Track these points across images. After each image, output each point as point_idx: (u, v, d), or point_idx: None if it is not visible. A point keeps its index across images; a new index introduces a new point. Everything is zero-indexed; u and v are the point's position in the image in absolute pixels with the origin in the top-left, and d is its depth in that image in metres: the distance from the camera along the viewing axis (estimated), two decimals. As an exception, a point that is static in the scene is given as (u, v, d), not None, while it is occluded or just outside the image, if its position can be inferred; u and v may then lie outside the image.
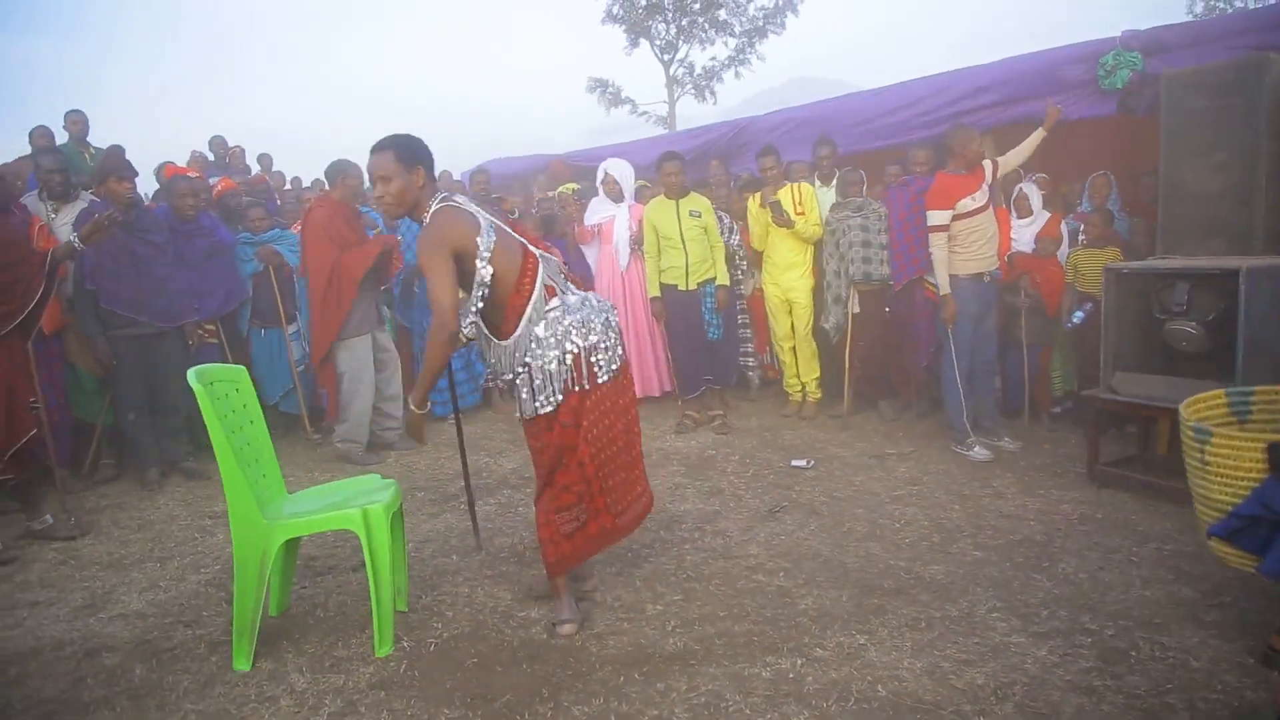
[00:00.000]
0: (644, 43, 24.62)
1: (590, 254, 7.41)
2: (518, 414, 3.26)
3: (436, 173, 10.06)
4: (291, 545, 3.51)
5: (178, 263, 5.69)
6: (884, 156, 6.79)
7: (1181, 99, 4.62)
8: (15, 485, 4.56)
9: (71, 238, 4.65)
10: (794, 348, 6.59)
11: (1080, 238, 6.02)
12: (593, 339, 3.16)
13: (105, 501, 5.26)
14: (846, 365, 6.44)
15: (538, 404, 3.14)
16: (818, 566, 3.78)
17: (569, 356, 3.11)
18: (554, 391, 3.12)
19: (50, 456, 4.78)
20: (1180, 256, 4.57)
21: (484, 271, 3.06)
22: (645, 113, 25.29)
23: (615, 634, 3.23)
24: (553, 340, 3.11)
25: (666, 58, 24.66)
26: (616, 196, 7.18)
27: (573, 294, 3.26)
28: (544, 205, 7.94)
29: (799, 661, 2.97)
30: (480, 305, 3.12)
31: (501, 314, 3.15)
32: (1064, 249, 5.96)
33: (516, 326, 3.12)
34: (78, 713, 2.86)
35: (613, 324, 3.28)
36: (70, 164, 6.03)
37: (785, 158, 6.68)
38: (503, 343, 3.15)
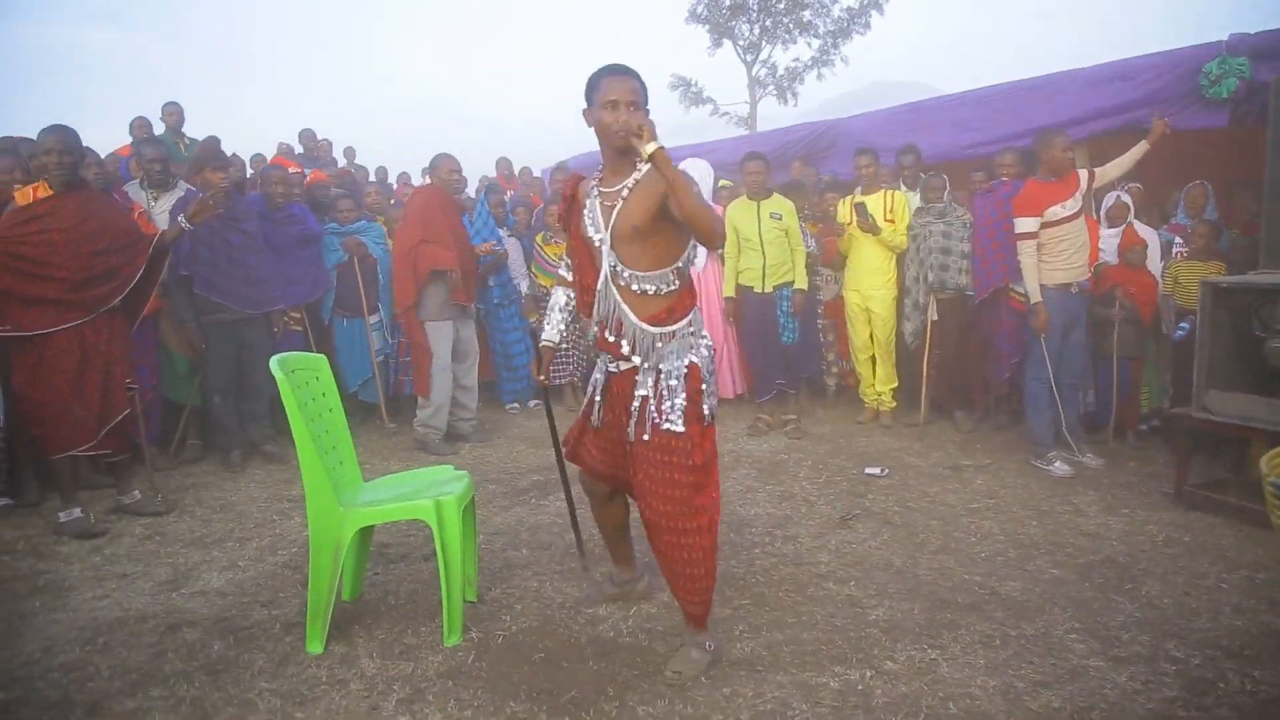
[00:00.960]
0: (727, 43, 24.52)
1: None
2: (647, 433, 2.87)
3: (518, 169, 10.16)
4: (366, 532, 3.57)
5: (267, 251, 5.85)
6: (970, 161, 6.64)
7: (1291, 107, 4.42)
8: (110, 461, 4.75)
9: (180, 219, 4.83)
10: (872, 357, 6.50)
11: (1178, 250, 5.80)
12: None
13: (190, 481, 5.43)
14: (924, 374, 6.32)
15: (706, 410, 2.91)
16: (889, 577, 3.71)
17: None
18: (713, 404, 2.96)
19: (141, 435, 4.96)
20: (1284, 272, 4.37)
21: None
22: (726, 113, 25.20)
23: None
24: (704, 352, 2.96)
25: (749, 58, 24.53)
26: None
27: None
28: None
29: (868, 673, 2.92)
30: (675, 284, 2.90)
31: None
32: (1156, 260, 5.76)
33: (679, 320, 2.91)
34: (159, 683, 2.95)
35: None
36: (169, 153, 6.25)
37: (869, 161, 6.60)
38: (657, 329, 2.87)
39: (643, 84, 2.87)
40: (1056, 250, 5.07)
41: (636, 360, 2.90)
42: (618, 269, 2.87)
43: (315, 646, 3.15)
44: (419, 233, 5.95)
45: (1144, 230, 5.88)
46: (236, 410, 5.79)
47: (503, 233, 7.20)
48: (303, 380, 3.27)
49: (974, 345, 6.16)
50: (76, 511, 4.47)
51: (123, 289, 4.58)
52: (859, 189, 6.46)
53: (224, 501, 5.01)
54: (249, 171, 7.96)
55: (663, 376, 2.87)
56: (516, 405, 7.35)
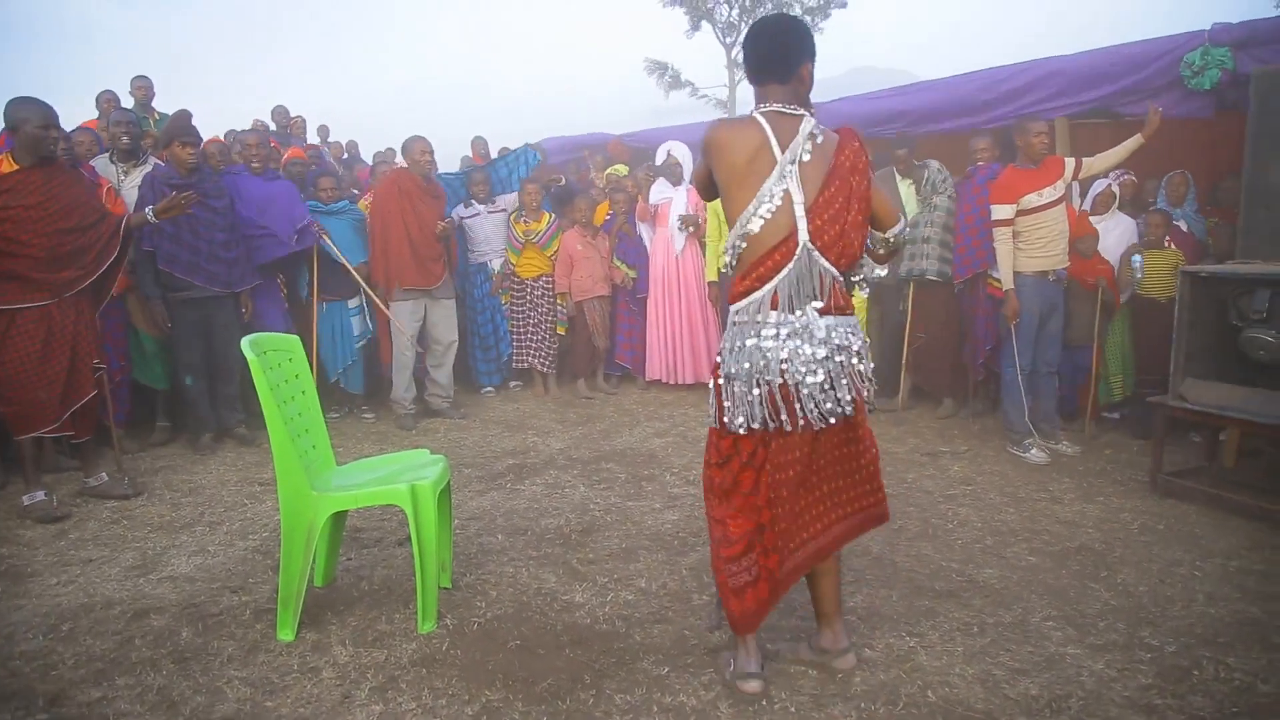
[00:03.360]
0: (706, 25, 24.44)
1: (645, 236, 7.35)
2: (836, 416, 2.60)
3: (493, 150, 9.97)
4: (339, 517, 3.51)
5: (239, 228, 5.70)
6: (952, 145, 6.63)
7: (1271, 97, 4.42)
8: (76, 443, 4.65)
9: (147, 212, 4.69)
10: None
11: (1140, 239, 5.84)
12: None
13: (159, 464, 5.33)
14: (904, 359, 6.31)
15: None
16: (867, 564, 3.70)
17: None
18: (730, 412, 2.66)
19: (109, 416, 4.85)
20: (1261, 261, 4.39)
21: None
22: (705, 95, 25.14)
23: (660, 622, 3.19)
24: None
25: (728, 40, 24.45)
26: (675, 179, 7.12)
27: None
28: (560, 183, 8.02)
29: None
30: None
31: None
32: (1123, 244, 5.77)
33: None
34: (125, 671, 2.89)
35: None
36: (138, 124, 6.10)
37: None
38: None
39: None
40: (1034, 238, 5.06)
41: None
42: None
43: (286, 634, 3.09)
44: (380, 221, 6.23)
45: (1123, 220, 5.89)
46: (208, 391, 5.69)
47: (483, 209, 7.18)
48: (275, 361, 3.20)
49: (953, 331, 6.16)
50: (40, 494, 4.38)
51: (91, 273, 4.47)
52: None
53: (193, 485, 4.93)
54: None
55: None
56: (491, 389, 7.30)
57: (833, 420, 2.59)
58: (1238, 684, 2.75)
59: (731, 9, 24.15)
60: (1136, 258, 5.46)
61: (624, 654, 2.97)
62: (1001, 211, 5.06)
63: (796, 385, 2.54)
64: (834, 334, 2.56)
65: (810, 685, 2.76)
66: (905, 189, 6.40)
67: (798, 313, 2.55)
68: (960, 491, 4.65)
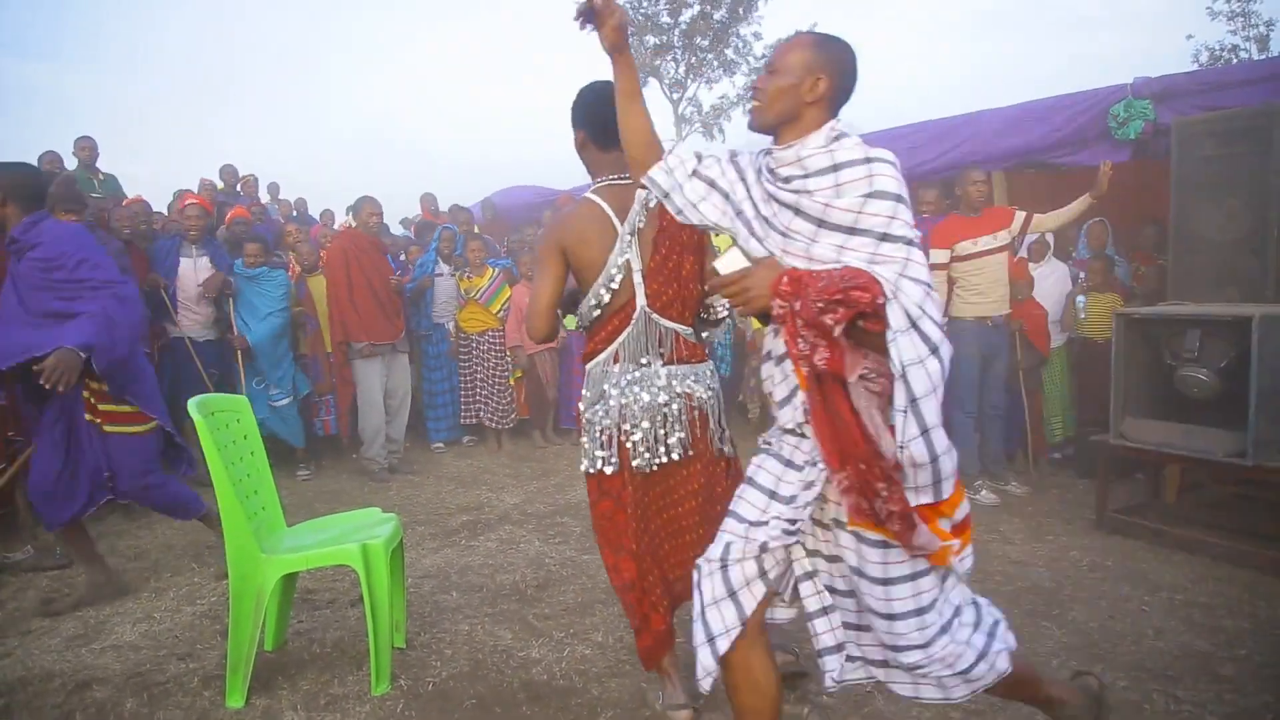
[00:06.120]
0: (653, 81, 24.85)
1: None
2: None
3: (445, 205, 9.98)
4: (289, 579, 3.45)
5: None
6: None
7: (1193, 146, 4.62)
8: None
9: None
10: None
11: (1080, 283, 6.02)
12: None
13: (100, 528, 5.17)
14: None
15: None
16: (823, 610, 3.70)
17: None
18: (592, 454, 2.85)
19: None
20: (1191, 303, 4.54)
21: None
22: (652, 151, 25.44)
23: (618, 676, 3.17)
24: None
25: (675, 96, 24.87)
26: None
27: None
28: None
29: (805, 709, 2.89)
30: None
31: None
32: (1058, 290, 5.94)
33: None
34: (66, 747, 2.79)
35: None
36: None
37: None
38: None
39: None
40: (970, 284, 5.20)
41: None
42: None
43: (236, 700, 3.01)
44: (341, 282, 6.21)
45: (1058, 265, 6.08)
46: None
47: (448, 269, 7.28)
48: (223, 421, 3.16)
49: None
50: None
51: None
52: None
53: (138, 549, 4.81)
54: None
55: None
56: (441, 445, 7.25)
57: (674, 456, 2.74)
58: (1187, 716, 2.80)
59: (678, 66, 24.60)
60: (1081, 298, 5.66)
61: (582, 710, 2.94)
62: (936, 256, 5.21)
63: (631, 428, 2.72)
64: (674, 381, 2.73)
65: (769, 734, 2.75)
66: None
67: (642, 361, 2.74)
68: (913, 535, 4.69)
